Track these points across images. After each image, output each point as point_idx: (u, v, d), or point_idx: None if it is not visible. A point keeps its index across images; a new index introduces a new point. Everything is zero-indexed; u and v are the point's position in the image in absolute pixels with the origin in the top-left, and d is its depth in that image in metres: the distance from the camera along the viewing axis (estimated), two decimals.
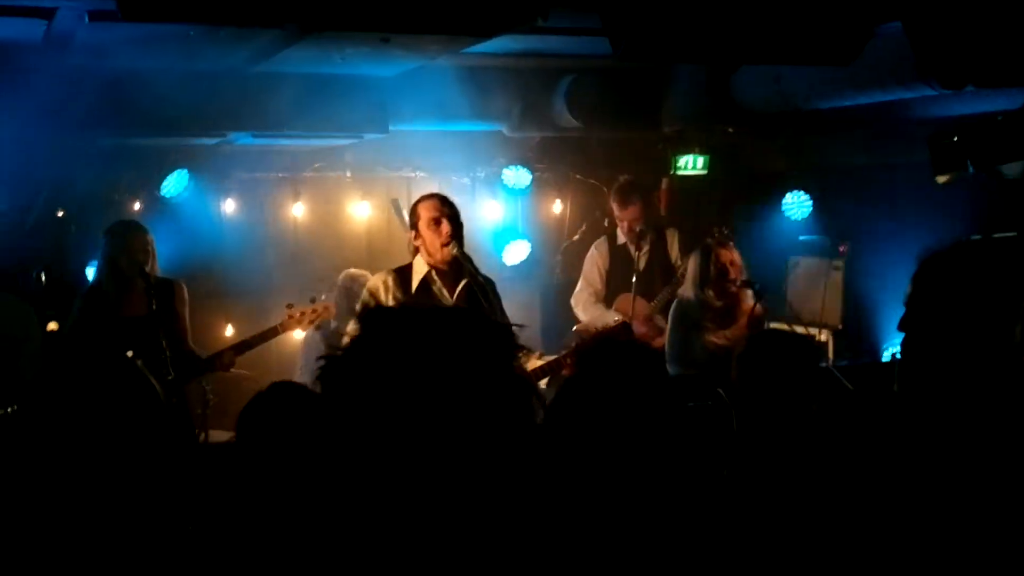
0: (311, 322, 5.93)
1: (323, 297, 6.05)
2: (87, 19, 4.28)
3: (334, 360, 1.39)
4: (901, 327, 2.90)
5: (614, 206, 6.96)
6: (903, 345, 3.54)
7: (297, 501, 2.60)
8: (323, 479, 1.39)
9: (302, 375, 6.69)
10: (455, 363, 1.34)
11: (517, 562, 1.37)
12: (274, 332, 5.83)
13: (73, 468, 1.89)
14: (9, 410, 4.31)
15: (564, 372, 4.83)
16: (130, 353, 5.33)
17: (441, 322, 1.39)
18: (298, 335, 6.56)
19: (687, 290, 6.02)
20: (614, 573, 1.71)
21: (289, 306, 5.84)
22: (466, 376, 1.34)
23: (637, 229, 6.72)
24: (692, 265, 6.01)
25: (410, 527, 1.33)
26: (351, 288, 6.56)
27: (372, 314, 1.42)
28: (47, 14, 4.85)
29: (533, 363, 4.81)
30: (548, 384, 4.87)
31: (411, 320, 1.40)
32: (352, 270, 6.87)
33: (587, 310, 6.86)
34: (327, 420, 1.38)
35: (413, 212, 4.96)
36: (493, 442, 1.34)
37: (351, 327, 4.73)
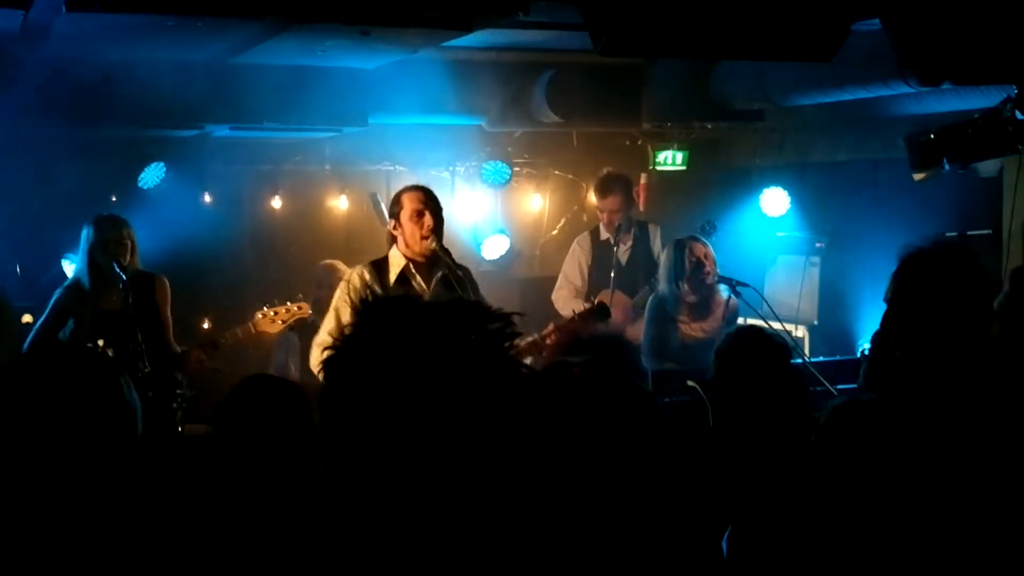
0: (284, 322, 5.80)
1: (299, 297, 5.94)
2: (64, 9, 4.24)
3: (336, 351, 1.40)
4: (883, 324, 2.93)
5: (595, 197, 6.96)
6: (873, 341, 3.57)
7: (279, 493, 2.59)
8: (325, 468, 1.39)
9: (275, 371, 6.66)
10: (453, 353, 1.35)
11: (508, 550, 1.38)
12: (246, 331, 5.73)
13: (24, 457, 1.87)
14: None
15: (544, 353, 4.85)
16: (101, 343, 5.30)
17: (439, 312, 1.40)
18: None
19: (661, 284, 6.05)
20: (591, 564, 1.70)
21: (264, 305, 5.73)
22: (465, 365, 1.35)
23: (617, 221, 6.72)
24: (665, 260, 6.04)
25: (412, 522, 1.33)
26: (326, 279, 6.54)
27: (370, 305, 1.42)
28: (24, 4, 4.80)
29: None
30: (529, 364, 4.87)
31: (409, 310, 1.40)
32: (327, 261, 6.84)
33: (567, 306, 6.84)
34: (330, 410, 1.38)
35: (396, 202, 4.95)
36: (492, 432, 1.35)
37: (346, 318, 4.73)
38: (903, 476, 1.81)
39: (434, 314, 1.39)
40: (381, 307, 1.42)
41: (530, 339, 4.84)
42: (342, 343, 1.40)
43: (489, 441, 1.35)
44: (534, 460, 1.46)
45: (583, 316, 5.01)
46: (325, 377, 1.40)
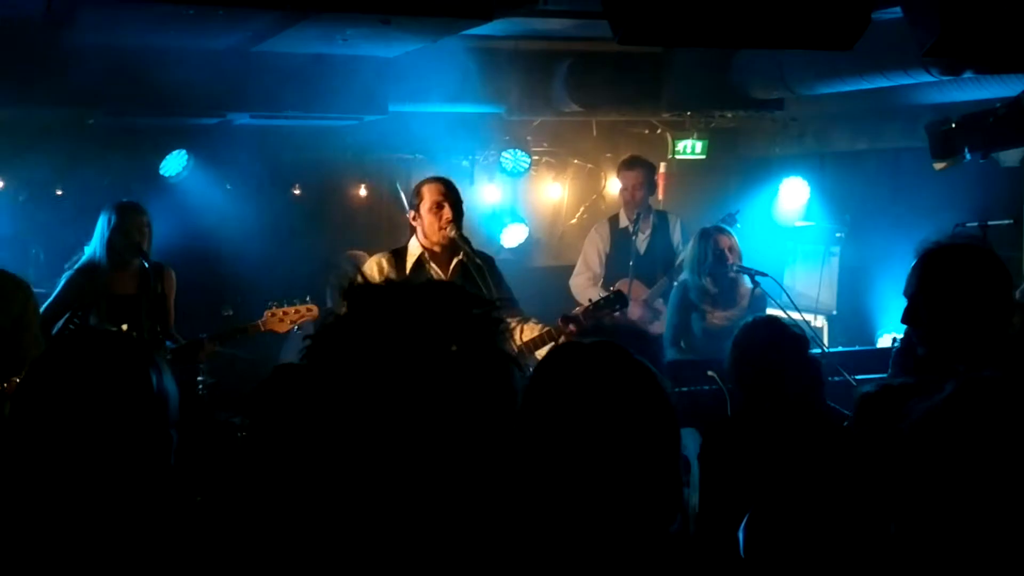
0: (293, 322, 5.83)
1: (307, 299, 5.96)
2: None
3: (320, 335, 1.45)
4: (905, 320, 2.93)
5: (619, 173, 6.97)
6: (906, 333, 3.56)
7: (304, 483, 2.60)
8: (312, 455, 1.43)
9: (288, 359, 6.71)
10: (435, 338, 1.39)
11: (496, 534, 1.41)
12: (255, 329, 5.74)
13: (60, 445, 1.89)
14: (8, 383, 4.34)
15: (562, 340, 4.85)
16: (124, 327, 5.35)
17: (423, 297, 1.44)
18: None
19: (686, 274, 6.06)
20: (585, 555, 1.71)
21: (270, 305, 5.76)
22: (446, 351, 1.39)
23: (639, 197, 6.75)
24: (691, 250, 6.05)
25: (395, 506, 1.36)
26: (347, 269, 6.57)
27: (356, 291, 1.46)
28: None
29: (531, 333, 4.83)
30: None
31: (394, 296, 1.45)
32: (352, 251, 6.86)
33: (585, 292, 6.85)
34: (314, 395, 1.42)
35: (416, 193, 5.00)
36: (473, 417, 1.39)
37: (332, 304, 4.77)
38: (929, 465, 1.81)
39: (415, 299, 1.43)
40: (364, 296, 1.45)
41: (546, 329, 4.84)
42: (324, 328, 1.45)
43: (468, 424, 1.38)
44: (520, 439, 1.50)
45: (599, 305, 5.01)
46: (308, 363, 1.44)
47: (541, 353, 4.68)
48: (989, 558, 1.66)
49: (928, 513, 1.74)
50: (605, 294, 5.39)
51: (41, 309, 5.47)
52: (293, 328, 5.90)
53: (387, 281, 1.51)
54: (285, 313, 5.72)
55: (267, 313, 5.71)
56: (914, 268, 2.88)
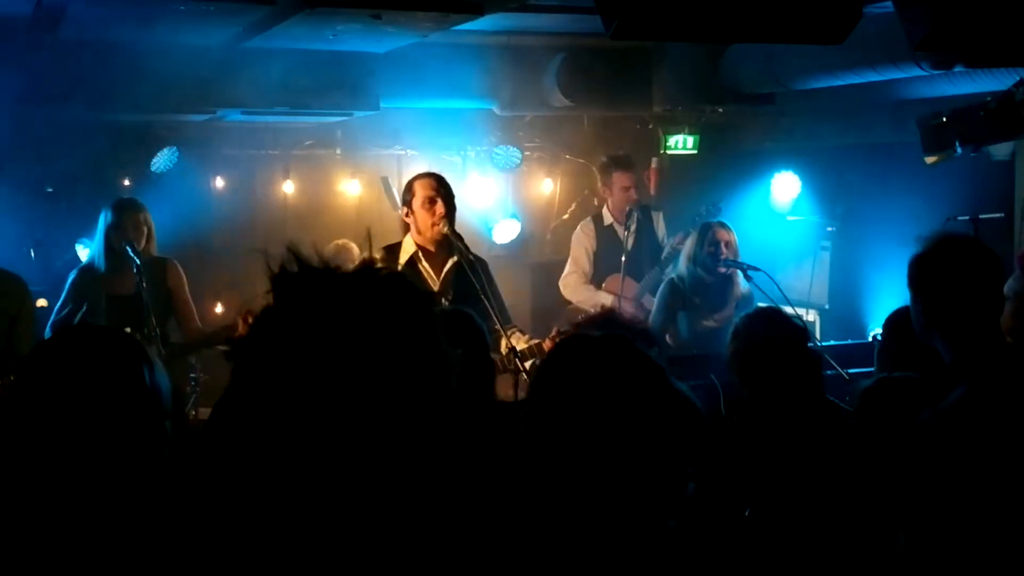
0: None
1: None
2: None
3: (247, 333, 1.32)
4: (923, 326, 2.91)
5: (612, 174, 6.93)
6: (886, 327, 3.55)
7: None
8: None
9: None
10: (367, 331, 1.27)
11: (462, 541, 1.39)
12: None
13: (61, 443, 1.89)
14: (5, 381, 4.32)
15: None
16: (128, 330, 5.32)
17: (355, 287, 1.32)
18: None
19: (681, 266, 6.06)
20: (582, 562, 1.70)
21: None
22: (379, 345, 1.27)
23: (633, 196, 6.78)
24: (689, 242, 6.06)
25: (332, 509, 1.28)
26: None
27: (284, 279, 1.32)
28: None
29: (518, 343, 4.79)
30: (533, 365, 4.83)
31: (322, 286, 1.31)
32: (339, 241, 6.84)
33: (577, 291, 6.87)
34: (239, 392, 1.30)
35: (408, 189, 4.97)
36: (408, 413, 1.27)
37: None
38: (943, 462, 1.81)
39: (347, 293, 1.31)
40: (291, 285, 1.32)
41: (535, 341, 4.81)
42: (250, 328, 1.32)
43: (406, 425, 1.27)
44: (526, 429, 1.43)
45: (588, 322, 4.98)
46: (233, 362, 1.31)
47: (528, 364, 4.62)
48: (992, 560, 1.66)
49: (934, 515, 1.74)
50: (595, 311, 5.33)
51: (52, 314, 5.46)
52: None
53: (316, 269, 1.33)
54: None
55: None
56: (922, 268, 2.84)
